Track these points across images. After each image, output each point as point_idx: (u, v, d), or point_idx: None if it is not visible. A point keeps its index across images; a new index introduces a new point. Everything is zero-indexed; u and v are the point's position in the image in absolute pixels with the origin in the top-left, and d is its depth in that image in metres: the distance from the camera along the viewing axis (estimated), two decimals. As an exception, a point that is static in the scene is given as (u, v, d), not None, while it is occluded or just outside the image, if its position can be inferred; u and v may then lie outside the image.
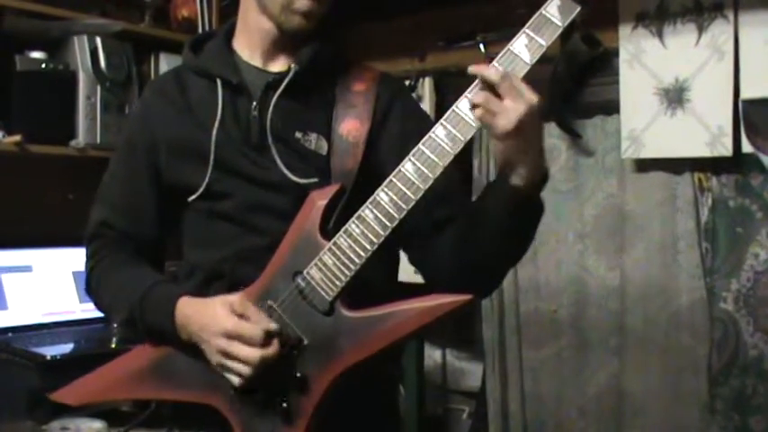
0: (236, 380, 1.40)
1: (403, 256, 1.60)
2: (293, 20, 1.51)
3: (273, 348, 1.37)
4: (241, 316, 1.39)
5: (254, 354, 1.37)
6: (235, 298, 1.42)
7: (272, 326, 1.39)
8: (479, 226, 1.40)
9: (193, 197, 1.53)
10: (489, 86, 1.28)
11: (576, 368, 2.83)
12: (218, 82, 1.55)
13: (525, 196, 1.34)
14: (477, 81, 1.31)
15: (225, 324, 1.39)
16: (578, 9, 1.30)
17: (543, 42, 1.30)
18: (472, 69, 1.31)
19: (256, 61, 1.58)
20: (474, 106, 1.30)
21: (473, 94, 1.31)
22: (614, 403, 2.73)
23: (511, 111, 1.26)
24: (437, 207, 1.44)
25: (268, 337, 1.37)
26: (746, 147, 2.39)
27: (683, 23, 2.49)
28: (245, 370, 1.38)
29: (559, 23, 1.30)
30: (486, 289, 1.58)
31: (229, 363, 1.39)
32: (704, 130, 2.43)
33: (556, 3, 1.31)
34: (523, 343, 2.94)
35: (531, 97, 1.27)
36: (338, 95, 1.55)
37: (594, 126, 2.78)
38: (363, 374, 1.37)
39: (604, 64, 2.69)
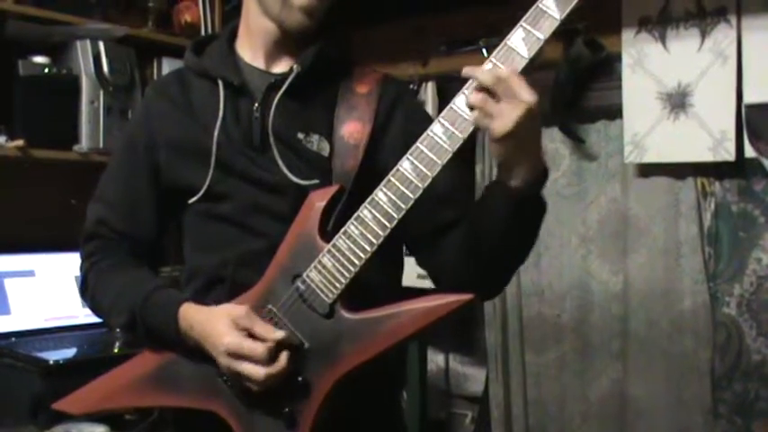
0: (254, 388, 1.38)
1: (407, 261, 1.59)
2: (293, 16, 1.49)
3: (281, 364, 1.35)
4: (246, 330, 1.37)
5: (258, 372, 1.35)
6: (240, 311, 1.38)
7: (279, 335, 1.36)
8: (482, 228, 1.38)
9: (194, 199, 1.52)
10: (485, 88, 1.25)
11: (579, 373, 2.82)
12: (220, 83, 1.54)
13: (525, 196, 1.32)
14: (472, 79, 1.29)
15: (226, 342, 1.37)
16: (576, 1, 1.25)
17: (541, 36, 1.25)
18: (467, 71, 1.28)
19: (258, 63, 1.57)
20: (471, 108, 1.27)
21: (469, 92, 1.28)
22: (617, 408, 2.73)
23: (507, 114, 1.23)
24: (441, 210, 1.43)
25: (275, 351, 1.35)
26: (749, 151, 2.39)
27: (686, 28, 2.49)
28: (253, 386, 1.37)
29: (557, 16, 1.25)
30: (493, 290, 1.55)
31: (239, 378, 1.38)
32: (707, 135, 2.43)
33: None
34: (526, 347, 2.94)
35: (529, 98, 1.23)
36: (340, 97, 1.53)
37: (597, 131, 2.78)
38: (366, 378, 1.35)
39: (607, 68, 2.69)
